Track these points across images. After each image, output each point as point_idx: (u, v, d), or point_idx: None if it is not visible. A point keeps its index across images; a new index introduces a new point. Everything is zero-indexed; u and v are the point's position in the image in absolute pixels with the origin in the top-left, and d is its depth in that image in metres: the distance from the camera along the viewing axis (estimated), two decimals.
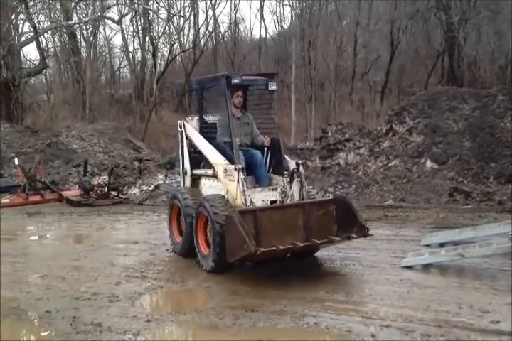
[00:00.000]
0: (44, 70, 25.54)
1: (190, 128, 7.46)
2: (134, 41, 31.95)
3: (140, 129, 24.98)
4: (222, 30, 33.79)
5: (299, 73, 25.52)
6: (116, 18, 28.04)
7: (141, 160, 16.62)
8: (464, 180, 11.15)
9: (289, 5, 31.59)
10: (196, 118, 7.50)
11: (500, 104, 12.30)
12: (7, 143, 17.01)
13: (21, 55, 23.94)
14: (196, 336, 4.96)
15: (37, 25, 23.01)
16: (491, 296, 5.33)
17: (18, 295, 5.92)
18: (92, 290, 5.98)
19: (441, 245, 7.21)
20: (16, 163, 13.93)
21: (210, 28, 31.43)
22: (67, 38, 27.98)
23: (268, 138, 7.02)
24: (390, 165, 12.28)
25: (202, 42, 30.78)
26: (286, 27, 35.00)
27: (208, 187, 7.14)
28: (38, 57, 23.43)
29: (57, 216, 11.52)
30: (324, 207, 6.37)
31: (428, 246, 7.35)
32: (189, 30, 31.70)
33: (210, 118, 7.45)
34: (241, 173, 6.27)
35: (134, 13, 28.60)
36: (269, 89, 6.84)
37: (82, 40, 28.93)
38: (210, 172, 7.00)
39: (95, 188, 13.11)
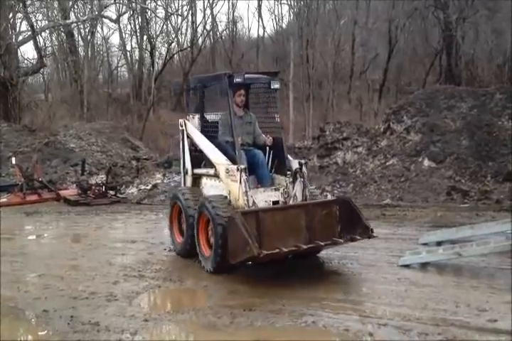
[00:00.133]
0: (42, 69, 25.50)
1: (192, 126, 7.37)
2: (131, 40, 31.99)
3: (138, 128, 24.94)
4: (220, 29, 33.78)
5: (297, 72, 25.50)
6: (114, 16, 28.11)
7: (138, 160, 16.62)
8: (462, 178, 11.16)
9: (287, 4, 31.65)
10: (197, 116, 7.41)
11: (498, 103, 12.31)
12: (5, 143, 16.95)
13: (19, 54, 23.96)
14: (194, 335, 4.96)
15: (34, 24, 22.95)
16: (489, 295, 5.34)
17: (15, 295, 5.92)
18: (89, 289, 5.98)
19: (439, 244, 7.22)
20: (14, 162, 13.89)
21: (208, 27, 31.42)
22: (64, 37, 27.92)
23: (270, 138, 6.91)
24: (387, 163, 12.29)
25: (200, 41, 30.73)
26: (284, 26, 35.01)
27: (210, 187, 7.05)
28: (36, 56, 23.48)
29: (54, 215, 11.50)
30: (327, 208, 6.31)
31: (426, 244, 7.36)
32: (187, 29, 31.71)
33: (211, 117, 7.38)
34: (243, 174, 6.20)
35: (131, 12, 28.62)
36: (272, 87, 6.72)
37: (79, 39, 28.94)
38: (211, 171, 6.91)
39: (93, 187, 13.08)
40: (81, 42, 29.08)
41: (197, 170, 7.33)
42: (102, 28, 33.64)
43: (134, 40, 31.19)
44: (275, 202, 6.53)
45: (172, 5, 30.70)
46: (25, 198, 12.84)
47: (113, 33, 42.35)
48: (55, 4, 24.78)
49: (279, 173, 6.80)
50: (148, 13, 29.19)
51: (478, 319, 4.74)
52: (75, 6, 27.01)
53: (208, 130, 7.18)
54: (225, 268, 6.20)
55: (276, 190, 6.60)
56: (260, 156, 6.79)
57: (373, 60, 27.93)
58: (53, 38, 29.12)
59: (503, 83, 17.03)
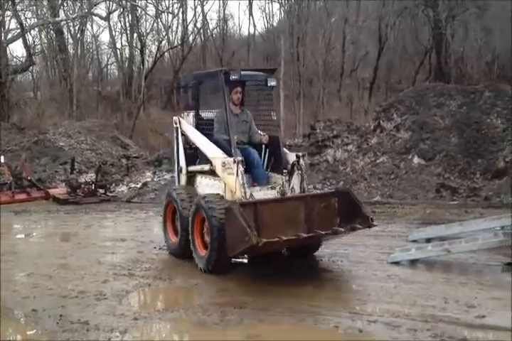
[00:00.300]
0: (31, 67, 25.25)
1: (186, 124, 7.30)
2: (121, 38, 31.76)
3: (128, 126, 24.78)
4: (211, 27, 33.67)
5: (288, 69, 25.48)
6: (104, 14, 27.82)
7: (128, 158, 16.57)
8: (451, 176, 11.23)
9: (278, 2, 31.58)
10: (192, 114, 7.33)
11: (487, 101, 12.38)
12: None
13: (8, 52, 23.68)
14: (184, 333, 4.95)
15: (24, 22, 22.73)
16: (477, 291, 5.38)
17: (4, 294, 5.86)
18: (78, 288, 5.94)
19: (428, 241, 7.27)
20: (2, 160, 13.76)
21: (198, 25, 31.29)
22: (54, 35, 27.69)
23: (266, 136, 6.82)
24: (377, 161, 12.34)
25: (190, 39, 30.61)
26: (275, 24, 34.99)
27: (205, 186, 6.93)
28: (25, 54, 23.22)
29: (43, 214, 11.42)
30: (326, 200, 6.25)
31: (415, 241, 7.41)
32: (177, 27, 31.54)
33: (206, 115, 7.28)
34: (240, 166, 6.13)
35: (121, 10, 28.37)
36: (269, 85, 6.63)
37: (69, 36, 28.64)
38: (206, 167, 6.77)
39: (82, 186, 13.02)
40: (70, 40, 28.84)
41: (191, 168, 7.21)
42: (91, 26, 33.36)
43: (124, 37, 31.03)
44: None
45: (162, 3, 30.54)
46: (14, 197, 12.75)
47: (103, 30, 42.19)
48: (45, 2, 24.60)
49: (275, 171, 6.71)
50: (139, 11, 29.05)
51: (466, 315, 4.78)
52: (65, 4, 26.78)
53: (203, 127, 7.09)
54: (221, 267, 6.15)
55: (273, 188, 6.50)
56: (255, 155, 6.69)
57: (363, 58, 27.99)
58: (42, 36, 28.90)
59: (492, 81, 17.10)
